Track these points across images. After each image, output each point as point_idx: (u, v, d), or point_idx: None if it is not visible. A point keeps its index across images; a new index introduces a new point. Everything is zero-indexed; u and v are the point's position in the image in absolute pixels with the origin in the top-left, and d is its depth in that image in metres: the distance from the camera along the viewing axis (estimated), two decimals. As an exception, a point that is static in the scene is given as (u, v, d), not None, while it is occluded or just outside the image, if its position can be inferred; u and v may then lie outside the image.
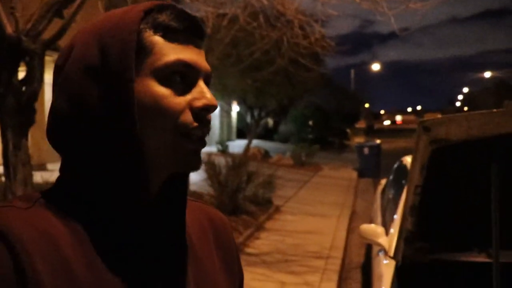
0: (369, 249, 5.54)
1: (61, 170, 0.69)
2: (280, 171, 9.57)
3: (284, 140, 26.18)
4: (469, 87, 74.72)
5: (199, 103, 0.65)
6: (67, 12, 4.70)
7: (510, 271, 2.39)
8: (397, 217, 3.41)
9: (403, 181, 3.95)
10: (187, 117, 0.65)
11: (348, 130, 35.54)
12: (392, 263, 2.93)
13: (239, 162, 7.63)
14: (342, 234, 7.23)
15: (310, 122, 28.15)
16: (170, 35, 0.66)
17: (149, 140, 0.65)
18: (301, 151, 16.92)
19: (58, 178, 0.70)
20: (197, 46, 0.69)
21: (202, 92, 0.66)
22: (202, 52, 0.70)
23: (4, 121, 4.17)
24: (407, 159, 4.57)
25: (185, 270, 0.71)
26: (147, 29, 0.65)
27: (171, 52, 0.65)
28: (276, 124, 29.24)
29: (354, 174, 14.80)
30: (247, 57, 9.09)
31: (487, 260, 2.49)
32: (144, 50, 0.64)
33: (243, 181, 7.51)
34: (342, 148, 27.09)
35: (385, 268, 3.10)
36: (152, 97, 0.64)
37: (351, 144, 29.77)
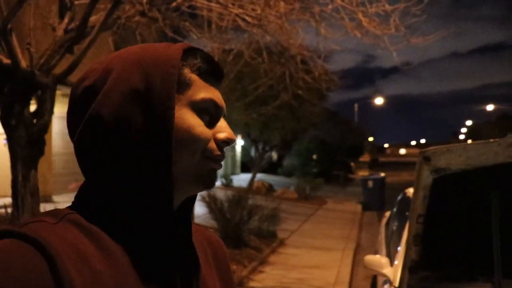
0: (374, 282, 5.50)
1: (85, 187, 0.74)
2: (284, 204, 9.59)
3: (288, 174, 26.16)
4: (472, 120, 75.12)
5: (222, 136, 0.76)
6: (78, 48, 4.87)
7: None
8: (401, 247, 3.43)
9: (407, 213, 3.98)
10: (213, 145, 0.76)
11: (352, 164, 35.51)
12: (397, 293, 2.94)
13: (241, 196, 7.69)
14: (347, 268, 7.17)
15: (314, 156, 28.19)
16: (204, 76, 0.77)
17: (179, 161, 0.73)
18: (305, 184, 16.91)
19: (81, 196, 0.74)
20: (218, 87, 0.80)
21: (224, 127, 0.77)
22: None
23: (15, 152, 4.26)
24: (410, 191, 4.61)
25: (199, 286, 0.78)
26: (186, 67, 0.75)
27: (206, 91, 0.76)
28: (280, 158, 29.29)
29: (359, 208, 14.74)
30: (252, 92, 9.27)
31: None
32: (183, 84, 0.75)
33: (245, 215, 7.54)
34: (346, 182, 27.01)
35: (390, 299, 3.10)
36: (188, 124, 0.73)
37: (355, 177, 29.70)
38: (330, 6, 4.48)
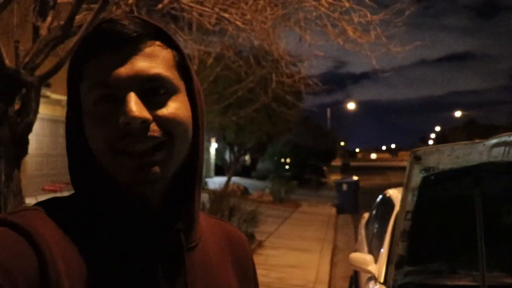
0: (352, 281, 5.64)
1: (73, 186, 0.74)
2: (261, 207, 9.67)
3: (262, 177, 26.28)
4: (440, 126, 77.22)
5: (120, 121, 0.65)
6: (63, 48, 4.85)
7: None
8: (385, 244, 3.57)
9: (389, 212, 4.13)
10: (113, 136, 0.67)
11: (324, 168, 35.94)
12: (383, 288, 3.06)
13: (221, 197, 7.75)
14: (326, 267, 7.31)
15: (287, 160, 28.41)
16: (96, 48, 0.67)
17: (107, 168, 0.69)
18: (280, 187, 17.06)
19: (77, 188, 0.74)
20: (130, 50, 0.67)
21: (124, 109, 0.64)
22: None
23: (-2, 151, 4.21)
24: (390, 192, 4.78)
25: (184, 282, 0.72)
26: (86, 60, 0.70)
27: (93, 75, 0.69)
28: (254, 161, 29.41)
29: (333, 210, 14.96)
30: (231, 95, 9.33)
31: (475, 283, 2.65)
32: (82, 83, 0.72)
33: (225, 216, 7.60)
34: (319, 185, 27.32)
35: (376, 294, 3.22)
36: (88, 135, 0.71)
37: (328, 181, 30.07)
38: (314, 14, 4.62)
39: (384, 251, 3.53)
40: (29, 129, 4.44)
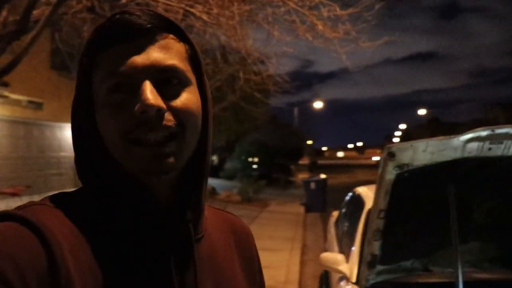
0: (323, 280, 5.61)
1: (81, 181, 0.74)
2: (229, 207, 9.57)
3: (230, 177, 26.16)
4: (405, 124, 79.05)
5: (136, 109, 0.65)
6: (19, 45, 4.60)
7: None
8: (356, 244, 3.52)
9: (359, 210, 4.09)
10: (129, 125, 0.67)
11: (292, 167, 36.10)
12: (356, 288, 3.01)
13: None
14: (296, 267, 7.27)
15: (255, 159, 28.40)
16: (110, 39, 0.68)
17: (118, 157, 0.69)
18: (248, 187, 16.98)
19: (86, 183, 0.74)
20: (144, 41, 0.67)
21: (141, 97, 0.64)
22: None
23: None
24: (360, 190, 4.75)
25: (194, 277, 0.72)
26: (96, 51, 0.71)
27: (107, 65, 0.69)
28: (221, 161, 29.26)
29: (301, 209, 14.99)
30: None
31: (447, 280, 2.63)
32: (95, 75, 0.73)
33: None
34: (287, 184, 27.41)
35: (348, 294, 3.17)
36: (99, 124, 0.72)
37: (296, 180, 30.21)
38: (282, 9, 4.55)
39: (355, 250, 3.47)
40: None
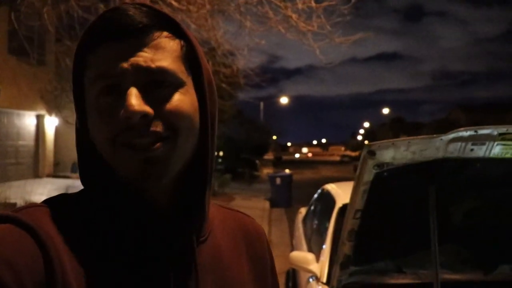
0: (289, 278, 5.54)
1: (82, 184, 0.73)
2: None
3: (195, 170, 25.90)
4: (369, 122, 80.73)
5: (121, 115, 0.63)
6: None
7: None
8: (328, 242, 3.44)
9: (329, 208, 4.01)
10: (117, 128, 0.66)
11: (257, 161, 36.15)
12: (326, 289, 2.93)
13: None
14: (261, 263, 7.17)
15: (221, 153, 28.24)
16: (100, 38, 0.67)
17: (110, 161, 0.68)
18: (213, 181, 16.80)
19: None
20: (133, 41, 0.64)
21: (125, 102, 0.62)
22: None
23: None
24: (329, 187, 4.68)
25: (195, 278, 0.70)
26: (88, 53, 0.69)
27: (96, 66, 0.68)
28: (187, 154, 28.96)
29: (267, 204, 14.96)
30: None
31: (420, 281, 2.58)
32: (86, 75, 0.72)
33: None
34: (253, 179, 27.40)
35: (318, 295, 3.08)
36: (90, 127, 0.71)
37: (261, 175, 30.24)
38: (255, -1, 4.41)
39: (326, 249, 3.40)
40: None
